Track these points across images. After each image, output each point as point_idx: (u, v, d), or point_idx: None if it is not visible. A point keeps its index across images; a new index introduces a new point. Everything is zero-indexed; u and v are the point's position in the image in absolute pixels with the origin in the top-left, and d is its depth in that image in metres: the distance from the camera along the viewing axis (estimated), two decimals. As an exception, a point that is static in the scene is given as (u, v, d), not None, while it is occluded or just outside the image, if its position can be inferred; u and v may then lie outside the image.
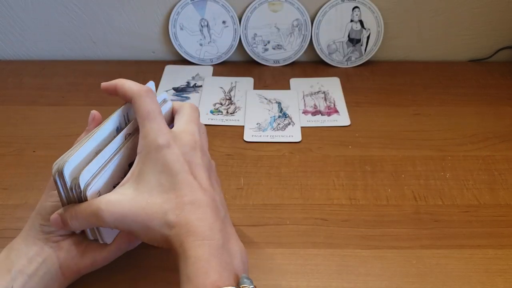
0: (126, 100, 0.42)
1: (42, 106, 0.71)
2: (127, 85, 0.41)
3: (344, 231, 0.51)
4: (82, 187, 0.38)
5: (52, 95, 0.73)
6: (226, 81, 0.76)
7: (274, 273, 0.46)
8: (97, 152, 0.40)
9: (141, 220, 0.36)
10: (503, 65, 0.80)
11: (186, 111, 0.43)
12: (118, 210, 0.36)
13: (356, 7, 0.76)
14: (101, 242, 0.42)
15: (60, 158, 0.38)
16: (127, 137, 0.42)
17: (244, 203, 0.54)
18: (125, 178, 0.39)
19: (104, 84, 0.42)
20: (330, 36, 0.78)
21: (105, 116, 0.43)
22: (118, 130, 0.43)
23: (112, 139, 0.41)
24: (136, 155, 0.40)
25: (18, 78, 0.77)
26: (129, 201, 0.37)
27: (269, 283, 0.46)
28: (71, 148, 0.39)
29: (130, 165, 0.40)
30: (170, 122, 0.45)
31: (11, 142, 0.63)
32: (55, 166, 0.37)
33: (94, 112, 0.44)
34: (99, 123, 0.43)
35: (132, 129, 0.43)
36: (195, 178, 0.38)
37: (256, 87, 0.75)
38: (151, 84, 0.45)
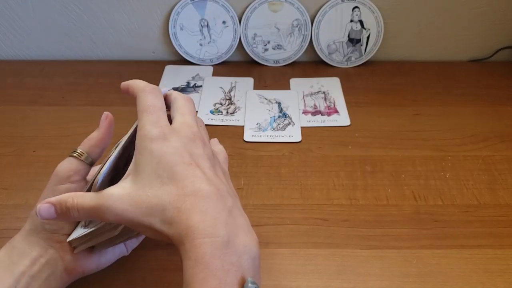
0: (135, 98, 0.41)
1: (42, 106, 0.71)
2: (136, 83, 0.40)
3: (344, 231, 0.51)
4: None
5: (52, 95, 0.73)
6: (226, 81, 0.76)
7: (274, 273, 0.47)
8: None
9: (141, 216, 0.34)
10: (503, 65, 0.80)
11: (180, 103, 0.41)
12: (119, 206, 0.35)
13: (356, 7, 0.76)
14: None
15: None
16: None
17: (244, 203, 0.54)
18: (126, 172, 0.38)
19: (122, 84, 0.41)
20: (330, 36, 0.78)
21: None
22: None
23: None
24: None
25: (18, 78, 0.77)
26: (129, 194, 0.35)
27: (269, 283, 0.46)
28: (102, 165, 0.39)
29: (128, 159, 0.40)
30: None
31: (11, 142, 0.63)
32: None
33: (107, 113, 0.44)
34: (111, 122, 0.43)
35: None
36: (197, 167, 0.36)
37: (256, 87, 0.75)
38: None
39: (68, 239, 0.41)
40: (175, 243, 0.34)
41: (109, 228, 0.40)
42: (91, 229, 0.40)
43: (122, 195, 0.35)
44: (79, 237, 0.40)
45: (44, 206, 0.37)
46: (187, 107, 0.41)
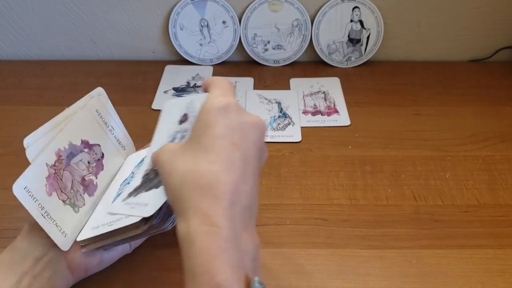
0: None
1: (42, 106, 0.71)
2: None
3: (344, 231, 0.51)
4: None
5: (52, 95, 0.73)
6: (226, 81, 0.76)
7: (274, 273, 0.47)
8: None
9: (173, 178, 0.33)
10: (503, 65, 0.80)
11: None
12: (163, 158, 0.36)
13: (356, 7, 0.76)
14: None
15: None
16: None
17: (244, 203, 0.54)
18: None
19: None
20: (330, 36, 0.78)
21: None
22: None
23: None
24: None
25: (18, 78, 0.77)
26: (174, 152, 0.35)
27: (269, 283, 0.45)
28: None
29: None
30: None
31: (11, 142, 0.63)
32: None
33: None
34: None
35: None
36: (239, 150, 0.33)
37: (256, 87, 0.75)
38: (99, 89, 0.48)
39: (82, 238, 0.41)
40: (178, 217, 0.32)
41: (131, 228, 0.39)
42: (114, 228, 0.40)
43: (169, 151, 0.36)
44: (97, 235, 0.40)
45: None
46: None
